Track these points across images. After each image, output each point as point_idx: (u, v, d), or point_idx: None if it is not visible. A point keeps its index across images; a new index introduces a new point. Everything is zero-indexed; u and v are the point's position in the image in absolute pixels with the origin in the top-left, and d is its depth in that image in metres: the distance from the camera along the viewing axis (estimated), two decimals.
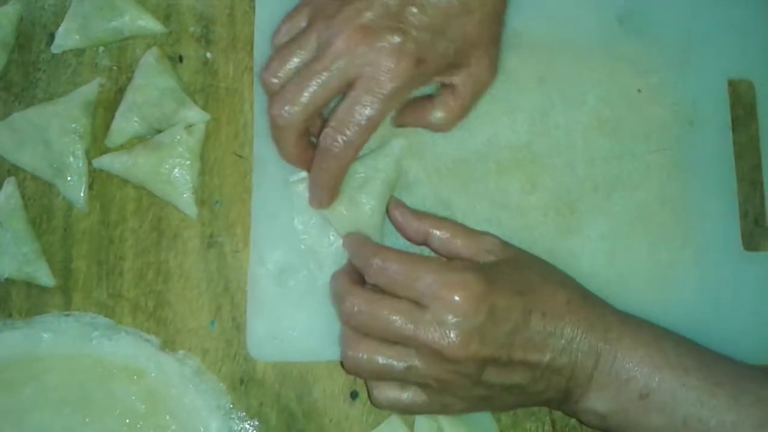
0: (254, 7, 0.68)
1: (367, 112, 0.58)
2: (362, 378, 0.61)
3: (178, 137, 0.64)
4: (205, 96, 0.67)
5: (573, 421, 0.63)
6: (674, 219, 0.66)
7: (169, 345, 0.63)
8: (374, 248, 0.59)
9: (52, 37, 0.67)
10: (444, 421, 0.61)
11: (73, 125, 0.65)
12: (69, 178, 0.64)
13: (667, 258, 0.65)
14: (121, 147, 0.66)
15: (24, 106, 0.66)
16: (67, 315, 0.63)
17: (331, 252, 0.63)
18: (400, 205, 0.63)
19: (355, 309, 0.56)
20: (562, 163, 0.66)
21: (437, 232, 0.61)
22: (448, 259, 0.60)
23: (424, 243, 0.62)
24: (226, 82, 0.67)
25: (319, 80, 0.57)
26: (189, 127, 0.65)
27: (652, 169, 0.67)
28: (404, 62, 0.57)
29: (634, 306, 0.62)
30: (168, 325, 0.63)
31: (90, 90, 0.66)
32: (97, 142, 0.66)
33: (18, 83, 0.67)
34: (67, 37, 0.67)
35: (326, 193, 0.61)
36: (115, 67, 0.67)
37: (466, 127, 0.66)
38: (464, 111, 0.63)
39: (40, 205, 0.65)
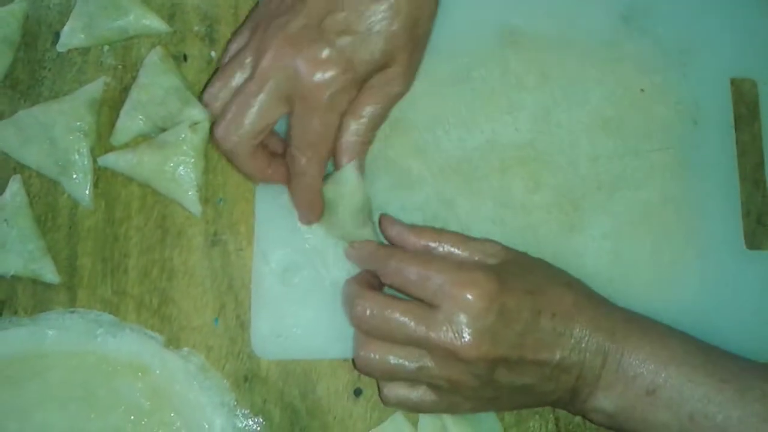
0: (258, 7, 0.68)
1: (314, 127, 0.58)
2: (374, 378, 0.61)
3: (183, 136, 0.64)
4: None
5: (577, 418, 0.63)
6: (677, 217, 0.66)
7: (173, 342, 0.63)
8: (390, 250, 0.60)
9: (57, 35, 0.67)
10: (448, 419, 0.61)
11: (79, 123, 0.65)
12: (74, 176, 0.64)
13: (670, 256, 0.65)
14: (126, 145, 0.66)
15: (30, 104, 0.66)
16: (72, 312, 0.63)
17: (336, 250, 0.63)
18: (395, 222, 0.62)
19: (367, 312, 0.56)
20: (566, 162, 0.67)
21: (437, 245, 0.60)
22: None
23: None
24: None
25: (255, 101, 0.58)
26: (193, 125, 0.65)
27: (655, 168, 0.67)
28: (331, 72, 0.57)
29: (637, 304, 0.62)
30: (172, 323, 0.63)
31: (95, 88, 0.66)
32: (102, 141, 0.66)
33: (24, 81, 0.67)
34: (72, 36, 0.67)
35: (310, 211, 0.62)
36: (120, 66, 0.68)
37: (468, 126, 0.66)
38: (380, 120, 0.62)
39: (46, 202, 0.65)
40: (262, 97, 0.58)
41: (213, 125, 0.60)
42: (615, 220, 0.66)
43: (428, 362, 0.56)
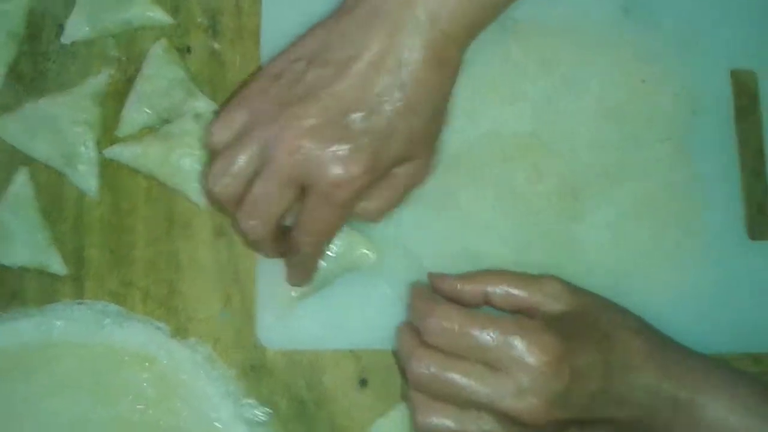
0: None
1: (326, 219, 0.56)
2: None
3: (187, 127, 0.65)
4: (213, 86, 0.67)
5: None
6: (678, 207, 0.66)
7: (180, 333, 0.63)
8: (432, 305, 0.56)
9: (61, 28, 0.68)
10: None
11: (84, 116, 0.65)
12: (80, 168, 0.65)
13: (672, 246, 0.66)
14: (132, 137, 0.66)
15: (35, 97, 0.66)
16: (80, 303, 0.64)
17: (342, 239, 0.63)
18: (445, 277, 0.61)
19: (424, 373, 0.54)
20: (567, 151, 0.67)
21: (495, 289, 0.58)
22: (512, 313, 0.59)
23: (485, 303, 0.59)
24: (233, 72, 0.68)
25: (274, 195, 0.55)
26: (197, 116, 0.66)
27: (657, 158, 0.67)
28: (352, 171, 0.54)
29: (639, 294, 0.62)
30: (179, 314, 0.64)
31: (100, 81, 0.67)
32: (108, 133, 0.66)
33: (28, 74, 0.67)
34: (77, 29, 0.67)
35: (302, 280, 0.62)
36: (124, 59, 0.68)
37: (470, 115, 0.67)
38: (398, 203, 0.61)
39: (52, 194, 0.65)
40: (279, 190, 0.55)
41: (233, 219, 0.58)
42: (617, 209, 0.66)
43: (493, 427, 0.54)
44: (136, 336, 0.63)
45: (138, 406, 0.62)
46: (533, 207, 0.66)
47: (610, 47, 0.69)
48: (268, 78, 0.58)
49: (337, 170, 0.54)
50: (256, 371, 0.63)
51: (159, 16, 0.68)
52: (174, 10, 0.68)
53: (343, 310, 0.62)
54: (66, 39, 0.67)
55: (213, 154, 0.58)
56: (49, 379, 0.62)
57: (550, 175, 0.66)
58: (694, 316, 0.62)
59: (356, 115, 0.55)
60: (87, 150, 0.65)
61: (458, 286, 0.59)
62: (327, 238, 0.59)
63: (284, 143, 0.54)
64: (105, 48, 0.68)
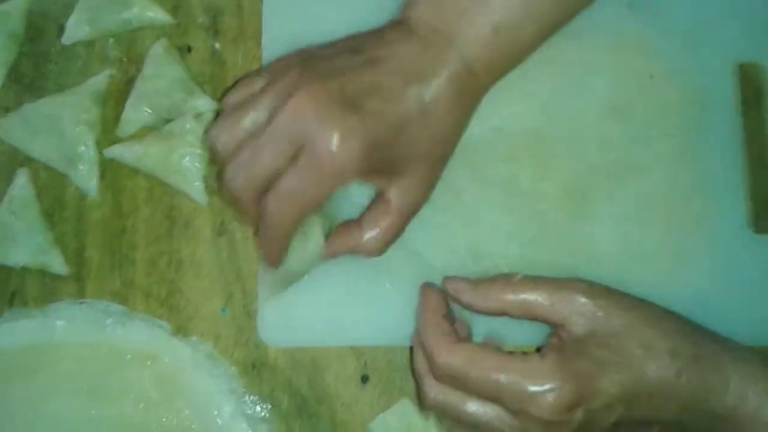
0: None
1: (305, 187, 0.54)
2: None
3: (188, 126, 0.65)
4: (214, 86, 0.67)
5: None
6: (685, 203, 0.66)
7: (182, 331, 0.63)
8: (440, 343, 0.55)
9: (61, 29, 0.68)
10: None
11: (85, 116, 0.65)
12: (81, 168, 0.65)
13: (680, 243, 0.65)
14: (132, 137, 0.66)
15: (35, 97, 0.66)
16: (81, 303, 0.64)
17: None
18: (460, 282, 0.59)
19: (438, 399, 0.54)
20: (574, 149, 0.66)
21: (514, 297, 0.57)
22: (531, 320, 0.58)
23: (503, 314, 0.58)
24: (234, 71, 0.68)
25: (269, 151, 0.54)
26: (198, 116, 0.66)
27: (663, 154, 0.66)
28: (352, 145, 0.53)
29: (647, 291, 0.61)
30: (180, 313, 0.64)
31: (100, 81, 0.67)
32: (108, 133, 0.66)
33: (29, 75, 0.67)
34: (77, 29, 0.67)
35: (274, 258, 0.59)
36: (124, 59, 0.68)
37: (476, 113, 0.66)
38: (396, 231, 0.60)
39: (53, 195, 0.66)
40: (278, 144, 0.53)
41: (221, 169, 0.57)
42: (623, 206, 0.66)
43: None
44: (138, 335, 0.63)
45: (140, 405, 0.62)
46: (539, 205, 0.65)
47: (615, 44, 0.68)
48: (295, 57, 0.58)
49: (337, 139, 0.52)
50: (258, 369, 0.63)
51: (159, 15, 0.68)
52: (174, 10, 0.68)
53: (345, 307, 0.62)
54: (66, 40, 0.68)
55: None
56: (51, 379, 0.62)
57: (557, 172, 0.66)
58: (700, 311, 0.61)
59: (372, 99, 0.55)
60: (87, 150, 0.65)
61: (478, 298, 0.58)
62: (299, 210, 0.55)
63: (293, 104, 0.53)
64: (105, 48, 0.68)
